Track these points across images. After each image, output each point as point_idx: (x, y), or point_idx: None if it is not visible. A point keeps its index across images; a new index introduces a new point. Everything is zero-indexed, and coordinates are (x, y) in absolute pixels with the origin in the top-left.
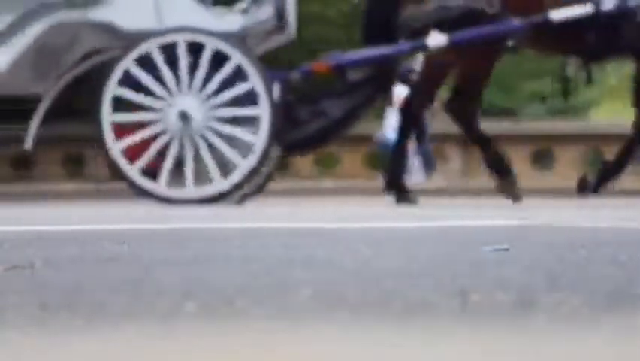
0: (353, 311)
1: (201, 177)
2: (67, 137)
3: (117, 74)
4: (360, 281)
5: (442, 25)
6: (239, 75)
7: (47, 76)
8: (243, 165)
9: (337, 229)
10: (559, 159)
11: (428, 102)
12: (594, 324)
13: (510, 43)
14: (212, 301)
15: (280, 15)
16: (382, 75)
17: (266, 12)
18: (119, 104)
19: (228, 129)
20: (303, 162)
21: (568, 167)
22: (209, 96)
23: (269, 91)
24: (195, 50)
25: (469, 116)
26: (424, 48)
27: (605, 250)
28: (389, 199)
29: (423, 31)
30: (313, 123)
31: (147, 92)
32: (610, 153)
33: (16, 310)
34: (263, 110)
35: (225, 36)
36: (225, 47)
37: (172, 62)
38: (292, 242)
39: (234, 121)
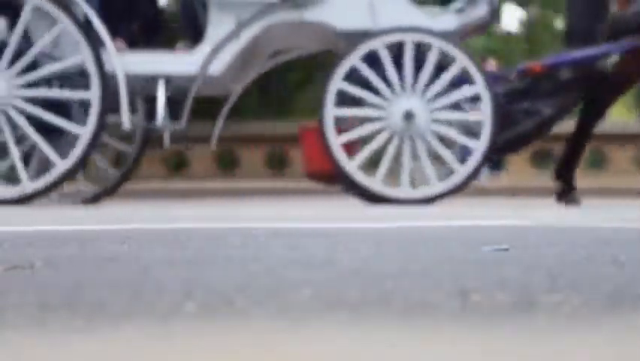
0: (353, 311)
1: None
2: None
3: (343, 69)
4: (360, 281)
5: None
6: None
7: (243, 75)
8: (462, 170)
9: (337, 228)
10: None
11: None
12: (594, 324)
13: None
14: (212, 301)
15: (496, 14)
16: (593, 76)
17: (481, 11)
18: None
19: (449, 133)
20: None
21: None
22: (432, 97)
23: (492, 96)
24: (399, 49)
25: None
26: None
27: (605, 250)
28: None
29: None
30: (526, 122)
31: (370, 88)
32: (611, 153)
33: (16, 310)
34: (486, 116)
35: (445, 36)
36: (451, 50)
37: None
38: (292, 242)
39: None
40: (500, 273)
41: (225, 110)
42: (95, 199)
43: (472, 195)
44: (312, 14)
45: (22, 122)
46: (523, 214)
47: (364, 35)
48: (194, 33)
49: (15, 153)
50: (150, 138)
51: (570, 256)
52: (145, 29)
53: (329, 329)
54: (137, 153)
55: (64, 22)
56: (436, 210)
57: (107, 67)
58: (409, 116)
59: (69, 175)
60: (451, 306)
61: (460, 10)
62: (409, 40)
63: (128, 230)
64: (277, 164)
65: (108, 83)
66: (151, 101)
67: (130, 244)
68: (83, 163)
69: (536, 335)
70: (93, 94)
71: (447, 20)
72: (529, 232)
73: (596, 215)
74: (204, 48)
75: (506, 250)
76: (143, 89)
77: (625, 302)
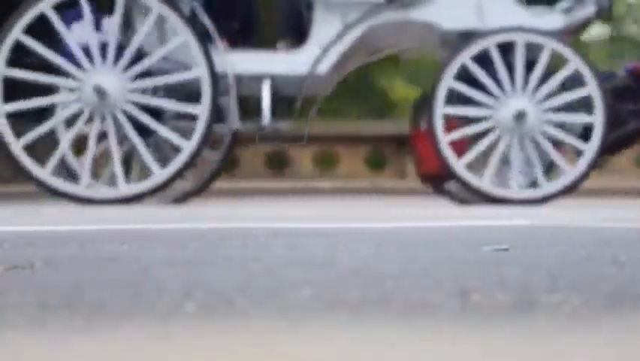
0: (353, 311)
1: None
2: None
3: (454, 67)
4: (360, 281)
5: None
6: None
7: (339, 74)
8: (571, 172)
9: (337, 228)
10: None
11: None
12: (594, 324)
13: None
14: (212, 301)
15: (607, 13)
16: None
17: (588, 11)
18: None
19: (560, 134)
20: (303, 162)
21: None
22: (543, 98)
23: (605, 99)
24: (505, 49)
25: None
26: None
27: (605, 250)
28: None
29: None
30: (632, 123)
31: (480, 88)
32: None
33: (16, 310)
34: (597, 119)
35: (554, 36)
36: (564, 50)
37: (488, 61)
38: (292, 242)
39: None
40: (500, 273)
41: (315, 109)
42: (184, 198)
43: None
44: (418, 14)
45: (141, 114)
46: (523, 214)
47: (471, 35)
48: (297, 33)
49: (141, 145)
50: (240, 138)
51: (570, 256)
52: (244, 29)
53: (329, 329)
54: (225, 154)
55: (170, 17)
56: (436, 211)
57: (217, 67)
58: (520, 116)
59: (195, 157)
60: (451, 306)
61: (568, 10)
62: (521, 40)
63: (128, 230)
64: (277, 164)
65: (214, 65)
66: (240, 100)
67: (130, 244)
68: (205, 144)
69: (536, 335)
70: (202, 72)
71: (554, 20)
72: (529, 232)
73: (596, 215)
74: (312, 48)
75: (506, 250)
76: (239, 88)
77: (625, 302)
